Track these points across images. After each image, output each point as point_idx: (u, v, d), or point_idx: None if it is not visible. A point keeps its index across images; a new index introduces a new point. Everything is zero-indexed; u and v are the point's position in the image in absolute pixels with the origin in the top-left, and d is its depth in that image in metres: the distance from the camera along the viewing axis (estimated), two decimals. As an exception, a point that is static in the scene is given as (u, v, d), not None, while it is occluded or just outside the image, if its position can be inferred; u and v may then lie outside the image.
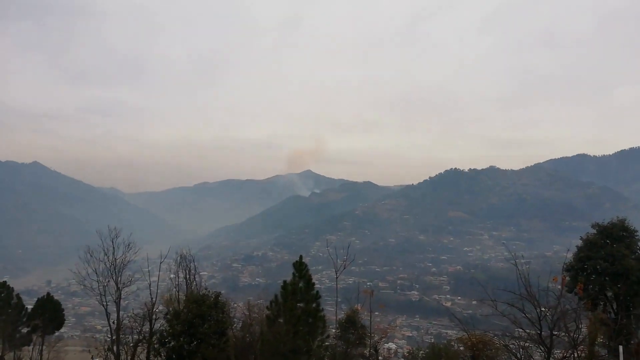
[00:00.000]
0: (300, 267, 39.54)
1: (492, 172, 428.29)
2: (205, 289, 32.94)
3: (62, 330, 64.96)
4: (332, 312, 47.07)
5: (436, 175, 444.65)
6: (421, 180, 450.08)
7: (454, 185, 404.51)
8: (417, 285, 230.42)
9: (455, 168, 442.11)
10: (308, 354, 37.10)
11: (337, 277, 40.33)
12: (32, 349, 53.29)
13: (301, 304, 38.05)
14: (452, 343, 52.45)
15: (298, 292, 38.35)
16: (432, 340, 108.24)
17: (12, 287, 61.43)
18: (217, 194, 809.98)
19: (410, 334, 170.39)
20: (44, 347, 49.77)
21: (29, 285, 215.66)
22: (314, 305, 38.46)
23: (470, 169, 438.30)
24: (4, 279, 72.56)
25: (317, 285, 40.63)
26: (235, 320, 36.22)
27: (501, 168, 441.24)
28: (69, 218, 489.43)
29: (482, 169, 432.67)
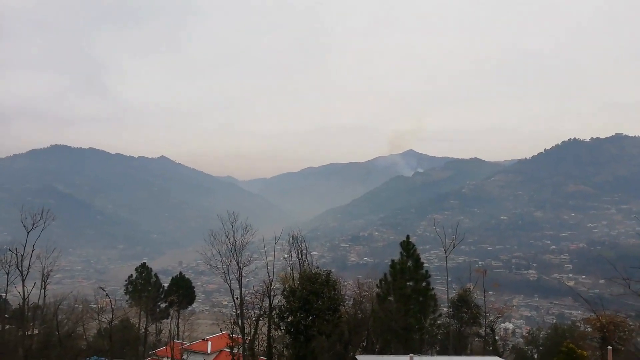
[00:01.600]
0: (407, 247, 39.62)
1: (619, 140, 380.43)
2: (317, 267, 34.53)
3: (193, 305, 72.55)
4: (443, 291, 46.41)
5: (552, 147, 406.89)
6: (535, 154, 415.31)
7: (573, 157, 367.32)
8: (535, 264, 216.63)
9: (575, 138, 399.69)
10: (420, 332, 37.28)
11: (446, 256, 39.67)
12: (170, 321, 60.25)
13: (410, 283, 38.24)
14: (578, 324, 48.79)
15: (407, 271, 38.56)
16: (554, 320, 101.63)
17: (151, 268, 69.97)
18: (321, 177, 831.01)
19: (529, 314, 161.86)
20: (180, 320, 55.73)
21: (164, 266, 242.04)
22: (423, 284, 38.41)
23: (592, 138, 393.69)
24: (144, 261, 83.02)
25: (425, 265, 40.41)
26: (347, 297, 37.47)
27: (630, 135, 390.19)
28: (193, 205, 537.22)
29: (607, 138, 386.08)
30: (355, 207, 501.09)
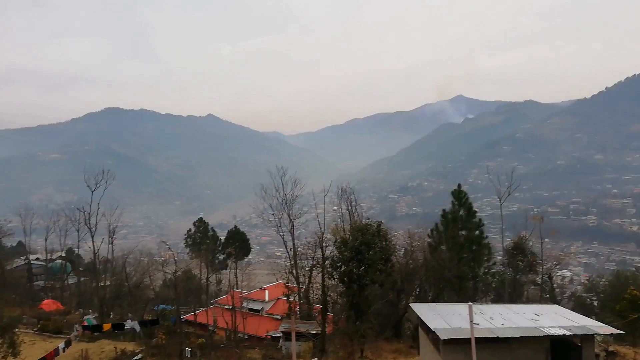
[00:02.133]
0: (459, 195, 38.79)
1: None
2: (367, 218, 34.67)
3: (249, 256, 75.53)
4: (497, 239, 45.59)
5: (614, 85, 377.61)
6: (595, 93, 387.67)
7: (637, 95, 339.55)
8: (595, 209, 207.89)
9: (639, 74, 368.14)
10: (474, 280, 37.13)
11: (501, 204, 38.62)
12: (229, 272, 63.34)
13: (463, 232, 37.74)
14: (642, 271, 46.86)
15: (459, 220, 37.97)
16: (616, 267, 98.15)
17: (207, 222, 73.13)
18: (367, 128, 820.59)
19: (588, 261, 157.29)
20: (237, 270, 58.47)
21: (219, 220, 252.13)
22: (476, 232, 37.77)
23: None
24: (200, 216, 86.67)
25: (477, 213, 39.57)
26: (398, 247, 37.63)
27: None
28: (242, 160, 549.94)
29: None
30: (402, 157, 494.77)
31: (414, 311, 22.97)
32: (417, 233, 44.42)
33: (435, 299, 35.62)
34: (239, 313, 41.86)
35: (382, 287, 32.28)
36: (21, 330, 37.11)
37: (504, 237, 40.10)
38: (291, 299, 44.09)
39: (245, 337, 42.45)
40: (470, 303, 16.79)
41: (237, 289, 52.49)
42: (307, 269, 43.58)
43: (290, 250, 44.73)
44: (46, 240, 65.94)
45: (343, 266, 28.77)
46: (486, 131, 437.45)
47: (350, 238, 28.95)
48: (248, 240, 71.62)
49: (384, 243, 28.99)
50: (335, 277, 30.38)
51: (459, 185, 39.66)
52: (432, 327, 18.15)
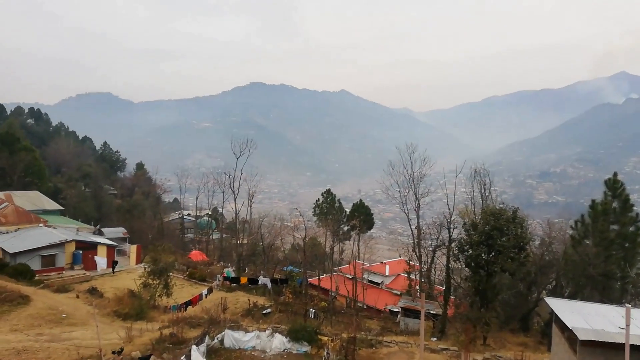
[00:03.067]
0: (614, 185, 34.44)
1: None
2: (502, 203, 32.71)
3: (372, 230, 76.76)
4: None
5: None
6: None
7: None
8: None
9: None
10: (623, 281, 33.00)
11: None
12: (352, 243, 65.21)
13: (615, 226, 33.56)
14: None
15: (611, 213, 33.79)
16: None
17: (334, 194, 75.84)
18: (506, 107, 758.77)
19: None
20: (360, 243, 59.88)
21: (344, 193, 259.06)
22: (631, 228, 33.32)
23: None
24: (328, 187, 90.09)
25: (635, 207, 34.81)
26: (534, 237, 34.95)
27: None
28: (371, 137, 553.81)
29: None
30: (546, 139, 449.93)
31: (547, 306, 21.34)
32: (557, 223, 40.80)
33: (573, 296, 32.53)
34: (360, 283, 43.07)
35: (513, 277, 30.47)
36: (174, 275, 43.05)
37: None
38: (412, 276, 44.08)
39: (364, 307, 43.66)
40: (628, 305, 15.15)
41: (358, 260, 53.92)
42: (430, 249, 42.89)
43: (415, 228, 44.30)
44: (197, 199, 75.08)
45: (470, 250, 27.71)
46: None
47: (481, 222, 27.66)
48: (372, 214, 72.63)
49: (519, 230, 27.13)
50: (461, 260, 29.46)
51: (615, 174, 35.09)
52: (569, 325, 16.74)
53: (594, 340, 15.52)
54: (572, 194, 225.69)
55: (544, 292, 35.32)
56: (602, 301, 28.34)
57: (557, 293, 34.47)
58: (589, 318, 17.74)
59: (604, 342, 15.31)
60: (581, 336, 15.73)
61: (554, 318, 20.84)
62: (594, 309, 19.46)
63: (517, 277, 31.13)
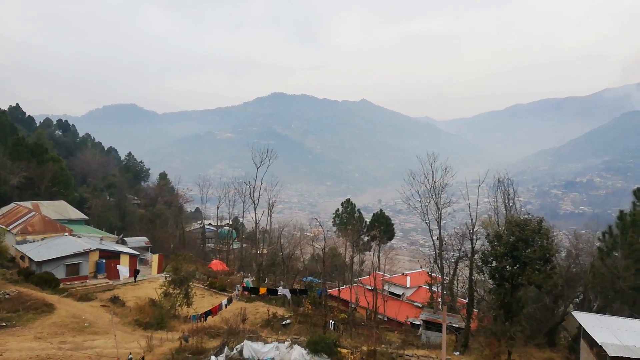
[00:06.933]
0: (644, 196, 33.30)
1: None
2: (527, 213, 31.91)
3: (392, 241, 75.92)
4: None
5: None
6: None
7: None
8: None
9: None
10: (655, 296, 31.70)
11: (701, 210, 32.03)
12: (372, 254, 64.61)
13: (646, 238, 32.35)
14: None
15: (641, 224, 32.62)
16: None
17: (354, 204, 75.48)
18: (530, 115, 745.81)
19: None
20: (380, 253, 59.27)
21: (365, 203, 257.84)
22: (663, 240, 32.04)
23: None
24: (348, 197, 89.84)
25: (667, 219, 33.47)
26: (561, 249, 33.97)
27: None
28: (392, 145, 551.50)
29: None
30: (572, 148, 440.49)
31: (575, 320, 20.64)
32: (584, 235, 39.61)
33: (601, 310, 31.38)
34: (380, 295, 42.53)
35: (539, 290, 29.58)
36: (194, 284, 43.31)
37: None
38: (434, 288, 43.28)
39: (385, 319, 43.03)
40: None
41: (379, 271, 53.31)
42: (452, 260, 42.07)
43: (437, 239, 43.61)
44: (218, 208, 75.75)
45: (495, 262, 27.04)
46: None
47: (505, 233, 27.01)
48: (392, 225, 71.89)
49: (544, 242, 26.37)
50: (485, 272, 28.78)
51: (644, 184, 33.94)
52: (598, 340, 16.14)
53: (625, 357, 14.90)
54: (599, 205, 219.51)
55: (570, 305, 34.21)
56: (632, 316, 27.30)
57: (584, 307, 33.34)
58: (618, 333, 17.07)
59: (635, 358, 14.68)
60: (611, 352, 15.13)
61: (581, 333, 20.13)
62: (623, 324, 18.75)
63: (543, 290, 30.22)
